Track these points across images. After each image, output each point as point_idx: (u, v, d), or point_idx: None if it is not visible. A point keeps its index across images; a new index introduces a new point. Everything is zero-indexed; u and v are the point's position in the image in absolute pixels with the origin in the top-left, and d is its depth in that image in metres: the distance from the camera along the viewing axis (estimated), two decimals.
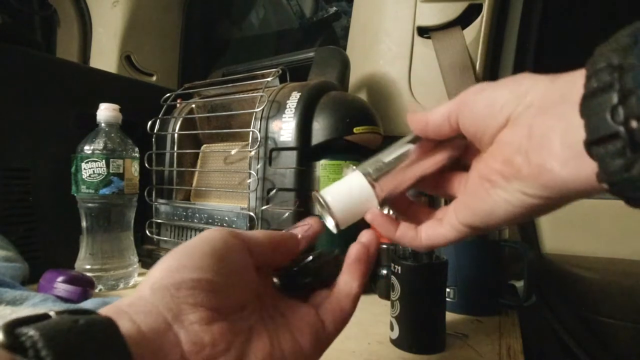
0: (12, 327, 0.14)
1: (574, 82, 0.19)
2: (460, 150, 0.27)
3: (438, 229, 0.27)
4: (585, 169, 0.18)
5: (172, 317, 0.18)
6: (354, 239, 0.28)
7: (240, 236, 0.23)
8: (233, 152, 0.63)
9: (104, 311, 0.17)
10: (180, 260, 0.20)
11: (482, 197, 0.23)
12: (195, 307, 0.18)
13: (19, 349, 0.13)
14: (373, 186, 0.27)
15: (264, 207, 0.55)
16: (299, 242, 0.26)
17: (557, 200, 0.20)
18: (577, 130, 0.18)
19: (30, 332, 0.14)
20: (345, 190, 0.27)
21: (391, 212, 0.31)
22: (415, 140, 0.28)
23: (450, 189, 0.28)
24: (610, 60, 0.17)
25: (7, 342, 0.14)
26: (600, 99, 0.17)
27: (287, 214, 0.53)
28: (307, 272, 0.26)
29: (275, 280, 0.26)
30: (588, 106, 0.17)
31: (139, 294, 0.19)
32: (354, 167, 0.28)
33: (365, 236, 0.27)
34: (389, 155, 0.28)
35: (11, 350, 0.13)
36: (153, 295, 0.18)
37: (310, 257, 0.26)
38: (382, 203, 0.28)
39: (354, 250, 0.26)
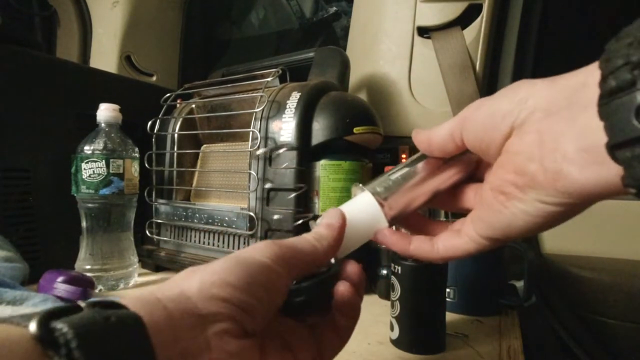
0: (47, 319, 0.14)
1: (582, 83, 0.18)
2: (471, 166, 0.27)
3: (456, 240, 0.26)
4: (608, 172, 0.17)
5: (209, 323, 0.18)
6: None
7: (288, 267, 0.22)
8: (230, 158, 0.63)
9: (140, 302, 0.17)
10: (238, 281, 0.20)
11: (498, 211, 0.22)
12: (232, 320, 0.19)
13: (51, 344, 0.13)
14: (382, 205, 0.27)
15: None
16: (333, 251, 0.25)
17: (577, 205, 0.20)
18: (594, 133, 0.17)
19: (64, 328, 0.14)
20: (354, 212, 0.27)
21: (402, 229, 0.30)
22: (423, 157, 0.27)
23: (465, 202, 0.28)
24: (629, 58, 0.16)
25: (42, 335, 0.13)
26: (623, 99, 0.16)
27: (286, 214, 0.53)
28: (299, 293, 0.24)
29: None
30: (607, 107, 0.16)
31: (182, 292, 0.19)
32: (362, 186, 0.28)
33: (349, 269, 0.25)
34: (397, 173, 0.27)
35: (44, 344, 0.13)
36: (200, 299, 0.18)
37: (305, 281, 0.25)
38: (392, 222, 0.27)
39: (339, 290, 0.24)
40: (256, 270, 0.21)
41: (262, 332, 0.21)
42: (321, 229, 0.26)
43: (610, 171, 0.17)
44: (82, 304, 0.16)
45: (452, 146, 0.25)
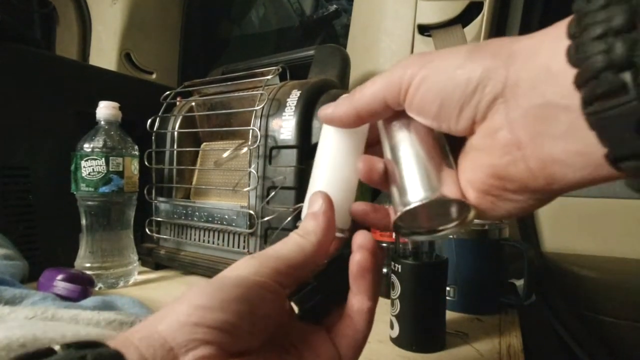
0: None
1: (546, 69, 0.16)
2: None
3: None
4: (609, 173, 0.16)
5: (181, 355, 0.17)
6: None
7: (276, 276, 0.20)
8: (225, 154, 0.63)
9: (113, 342, 0.17)
10: (209, 300, 0.18)
11: (486, 207, 0.21)
12: (209, 345, 0.17)
13: None
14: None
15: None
16: (324, 252, 0.23)
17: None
18: (584, 138, 0.15)
19: None
20: (331, 163, 0.26)
21: None
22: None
23: None
24: (612, 57, 0.14)
25: None
26: (616, 110, 0.14)
27: (287, 212, 0.53)
28: (310, 296, 0.22)
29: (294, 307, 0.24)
30: (598, 119, 0.14)
31: (154, 327, 0.18)
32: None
33: (359, 239, 0.23)
34: None
35: None
36: (170, 331, 0.17)
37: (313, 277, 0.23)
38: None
39: (354, 261, 0.22)
40: (231, 286, 0.19)
41: (264, 347, 0.20)
42: (306, 222, 0.24)
43: (611, 172, 0.16)
44: (56, 347, 0.15)
45: (381, 111, 0.23)
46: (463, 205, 0.22)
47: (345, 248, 0.24)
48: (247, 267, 0.20)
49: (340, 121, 0.24)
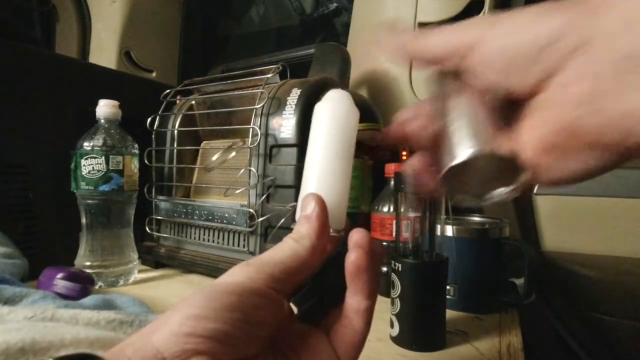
0: None
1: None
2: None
3: None
4: None
5: None
6: None
7: (272, 282, 0.20)
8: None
9: (107, 355, 0.16)
10: (201, 310, 0.18)
11: (549, 166, 0.20)
12: (202, 355, 0.17)
13: None
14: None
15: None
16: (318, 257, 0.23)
17: None
18: None
19: None
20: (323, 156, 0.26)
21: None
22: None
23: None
24: None
25: None
26: None
27: (287, 211, 0.53)
28: (307, 296, 0.22)
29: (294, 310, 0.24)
30: None
31: (147, 338, 0.17)
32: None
33: (355, 237, 0.23)
34: None
35: None
36: (162, 342, 0.17)
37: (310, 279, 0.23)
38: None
39: (350, 260, 0.22)
40: (224, 294, 0.19)
41: (261, 353, 0.20)
42: (299, 226, 0.23)
43: None
44: None
45: (449, 58, 0.21)
46: (516, 166, 0.20)
47: (342, 246, 0.24)
48: (241, 273, 0.20)
49: (397, 51, 0.23)
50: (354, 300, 0.22)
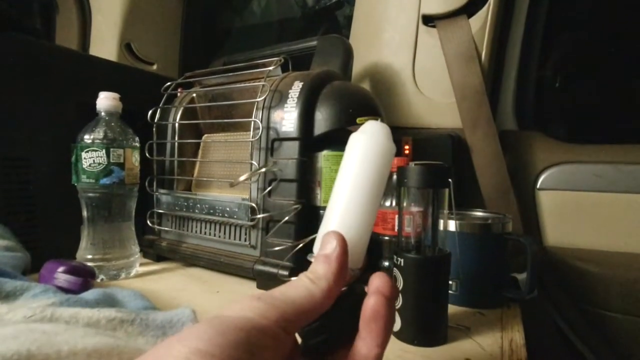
0: None
1: None
2: None
3: None
4: None
5: None
6: None
7: (282, 322, 0.19)
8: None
9: None
10: (209, 346, 0.17)
11: None
12: None
13: None
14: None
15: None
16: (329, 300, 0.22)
17: None
18: None
19: None
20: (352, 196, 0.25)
21: None
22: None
23: None
24: None
25: None
26: None
27: (288, 205, 0.53)
28: (317, 332, 0.21)
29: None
30: None
31: None
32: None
33: (376, 282, 0.22)
34: None
35: None
36: None
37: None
38: None
39: (368, 305, 0.21)
40: (232, 329, 0.18)
41: None
42: (318, 265, 0.22)
43: None
44: None
45: None
46: None
47: (355, 283, 0.23)
48: (252, 309, 0.19)
49: None
50: (364, 345, 0.21)
